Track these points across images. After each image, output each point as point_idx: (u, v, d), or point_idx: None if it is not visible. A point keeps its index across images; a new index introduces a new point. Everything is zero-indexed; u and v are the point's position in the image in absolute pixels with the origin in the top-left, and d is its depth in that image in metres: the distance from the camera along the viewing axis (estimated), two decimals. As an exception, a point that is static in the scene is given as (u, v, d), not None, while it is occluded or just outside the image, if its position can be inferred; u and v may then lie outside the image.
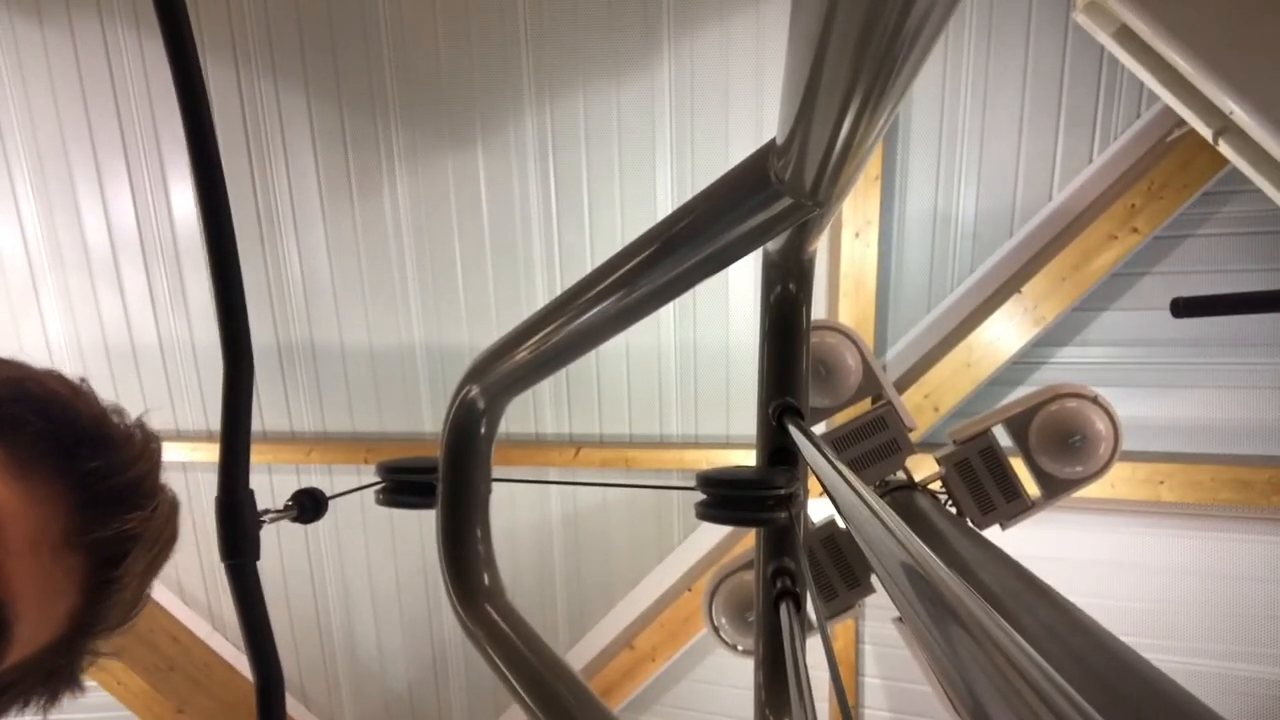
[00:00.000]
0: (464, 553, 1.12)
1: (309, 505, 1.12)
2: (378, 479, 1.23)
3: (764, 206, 0.76)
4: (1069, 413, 2.12)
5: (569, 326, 0.99)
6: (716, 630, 2.24)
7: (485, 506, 1.15)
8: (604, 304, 0.95)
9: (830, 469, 0.92)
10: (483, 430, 1.13)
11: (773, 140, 0.76)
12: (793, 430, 1.17)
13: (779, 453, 1.23)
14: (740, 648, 2.26)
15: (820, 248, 3.48)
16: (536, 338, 1.03)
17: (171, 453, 4.23)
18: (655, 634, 3.98)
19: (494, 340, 1.10)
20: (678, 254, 0.85)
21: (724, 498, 1.09)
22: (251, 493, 1.04)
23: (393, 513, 4.19)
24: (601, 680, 4.10)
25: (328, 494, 1.18)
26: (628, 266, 0.90)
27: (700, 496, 1.13)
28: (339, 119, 3.77)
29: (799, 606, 1.08)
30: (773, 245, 1.11)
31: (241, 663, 4.66)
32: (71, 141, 3.98)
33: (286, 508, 1.11)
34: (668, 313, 3.74)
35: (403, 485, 1.20)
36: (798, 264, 1.15)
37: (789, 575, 1.17)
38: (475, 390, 1.09)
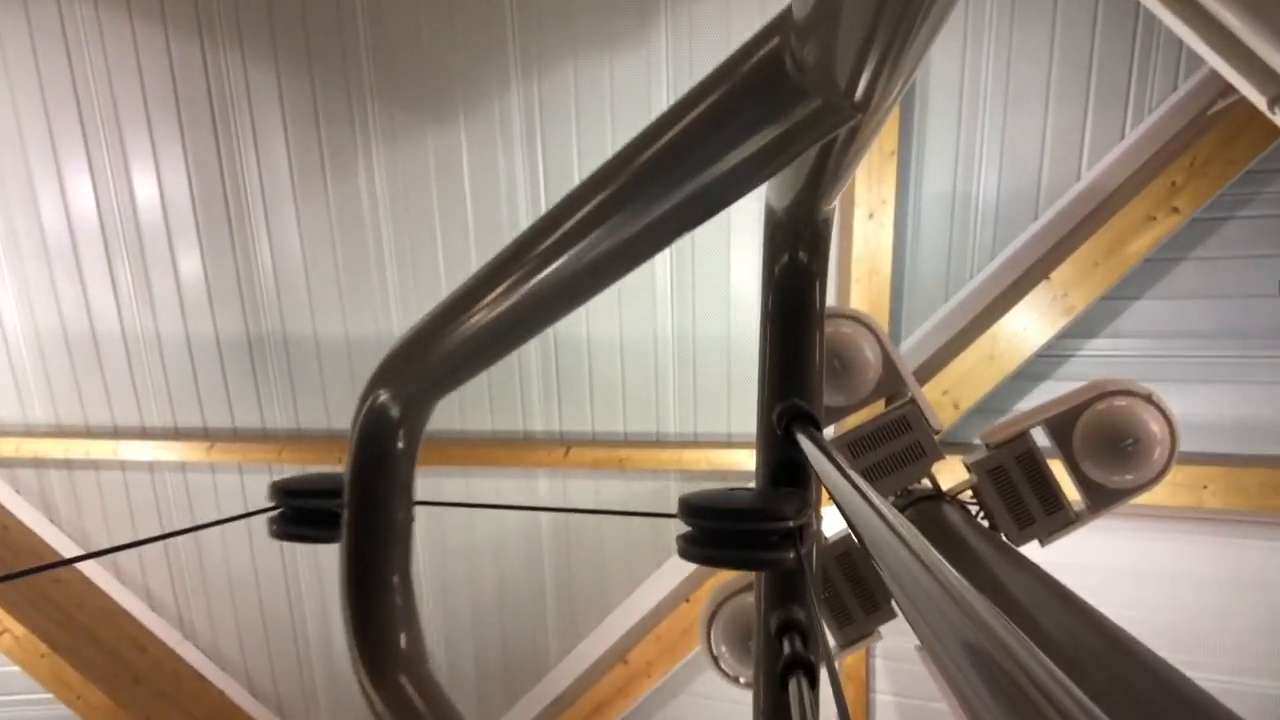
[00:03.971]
0: (375, 604, 0.86)
1: None
2: (272, 503, 0.96)
3: (778, 112, 0.49)
4: (1119, 413, 1.86)
5: (509, 301, 0.72)
6: (716, 661, 1.99)
7: (405, 542, 0.89)
8: (554, 266, 0.68)
9: (850, 489, 0.68)
10: (400, 444, 0.86)
11: (786, 11, 0.49)
12: (803, 442, 0.90)
13: (786, 470, 0.97)
14: (743, 680, 2.02)
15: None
16: (466, 319, 0.77)
17: (136, 451, 4.01)
18: (651, 647, 3.74)
19: (411, 324, 0.83)
20: (653, 190, 0.58)
21: (713, 532, 0.84)
22: None
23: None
24: (593, 697, 3.87)
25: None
26: (584, 212, 0.64)
27: (684, 528, 0.87)
28: (311, 94, 3.53)
29: (813, 680, 0.82)
30: (778, 197, 0.85)
31: (214, 673, 4.43)
32: (27, 123, 3.74)
33: None
34: (664, 299, 3.51)
35: (301, 513, 0.93)
36: (810, 225, 0.88)
37: (798, 632, 0.90)
38: (386, 395, 0.83)
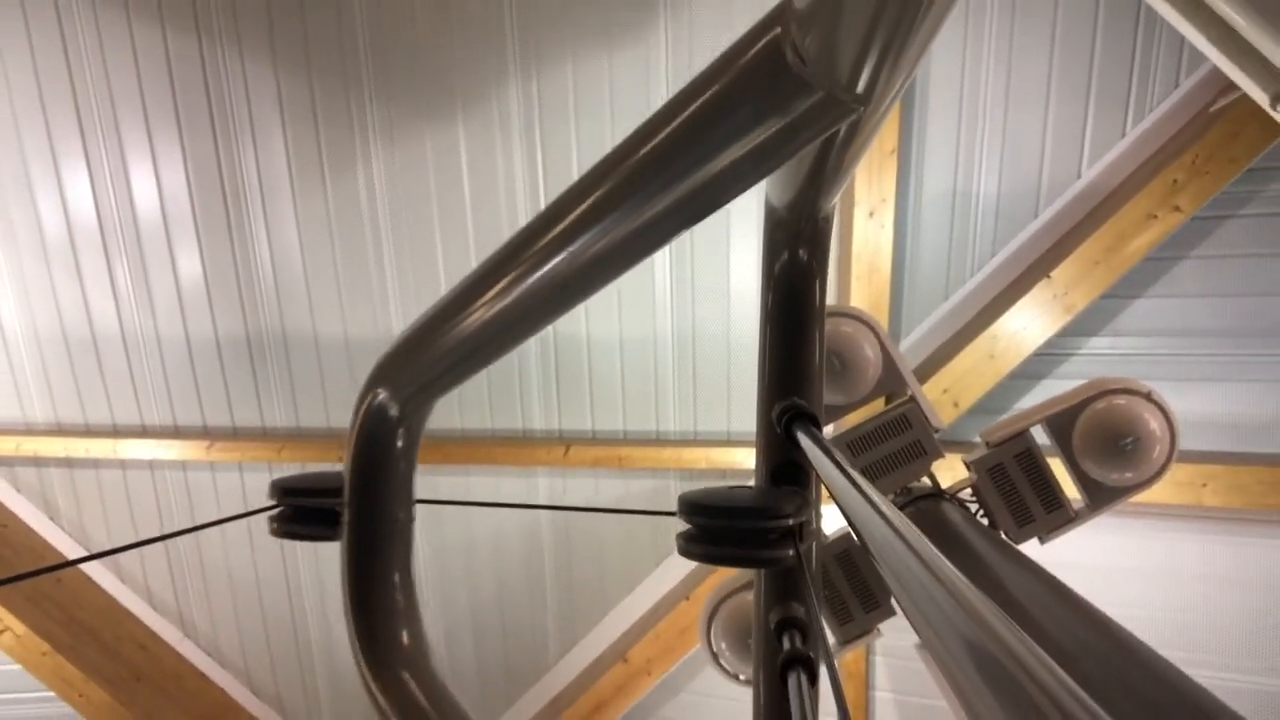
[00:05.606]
0: (376, 601, 0.86)
1: None
2: (272, 502, 0.96)
3: (779, 105, 0.49)
4: (1119, 411, 1.86)
5: (507, 299, 0.72)
6: (716, 658, 1.99)
7: (406, 540, 0.89)
8: (551, 265, 0.68)
9: (853, 492, 0.67)
10: (399, 444, 0.86)
11: (787, 1, 0.49)
12: (804, 442, 0.90)
13: (785, 468, 0.97)
14: (743, 677, 2.01)
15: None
16: (464, 318, 0.76)
17: (136, 450, 4.00)
18: (650, 646, 3.73)
19: (408, 324, 0.82)
20: (650, 188, 0.58)
21: (713, 530, 0.84)
22: None
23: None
24: (593, 695, 3.86)
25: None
26: (580, 211, 0.63)
27: (685, 526, 0.87)
28: (309, 92, 3.52)
29: (813, 678, 0.82)
30: (779, 194, 0.85)
31: (216, 671, 4.42)
32: (24, 121, 3.73)
33: None
34: (663, 297, 3.49)
35: (301, 512, 0.93)
36: (811, 222, 0.88)
37: (798, 629, 0.90)
38: (384, 395, 0.83)
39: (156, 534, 4.22)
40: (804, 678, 0.80)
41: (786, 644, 0.89)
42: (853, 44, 0.44)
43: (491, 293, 0.72)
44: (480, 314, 0.74)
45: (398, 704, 0.83)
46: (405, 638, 0.86)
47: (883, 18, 0.42)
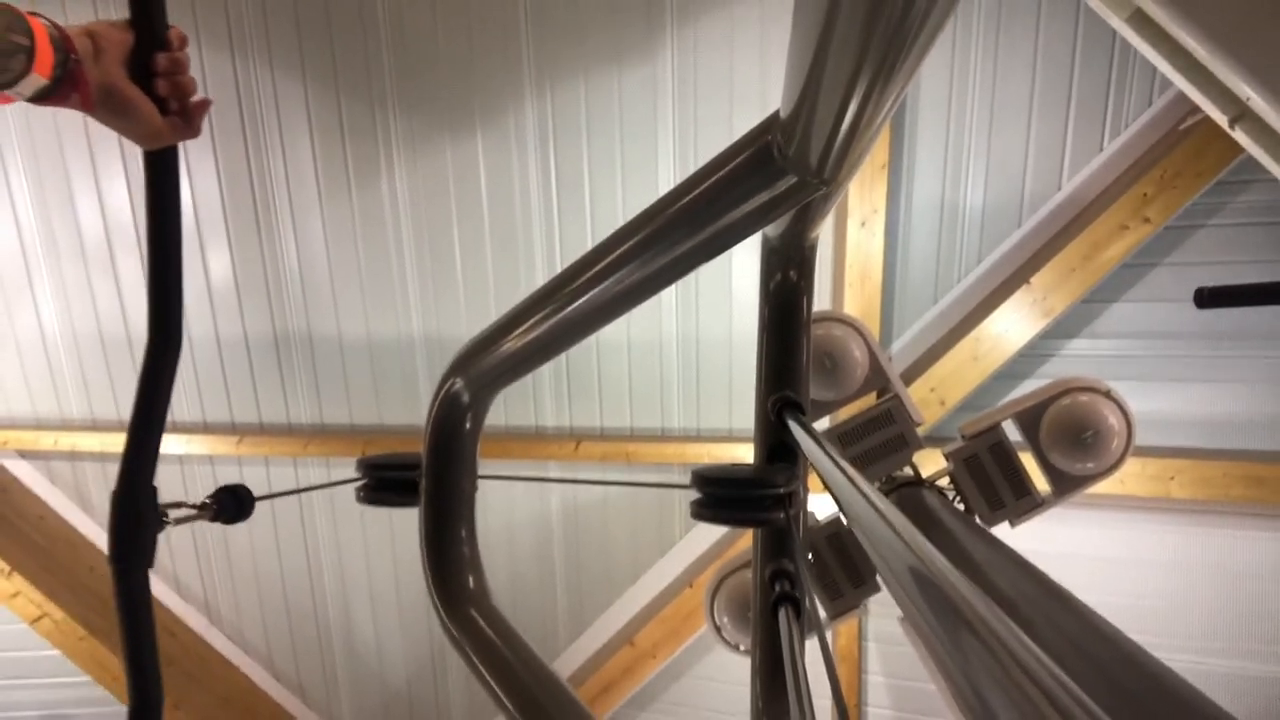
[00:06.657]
0: (448, 554, 1.07)
1: (230, 505, 1.04)
2: (358, 475, 1.18)
3: (766, 185, 0.70)
4: (1081, 407, 2.06)
5: (559, 315, 0.94)
6: (718, 630, 2.19)
7: (470, 505, 1.10)
8: (596, 290, 0.89)
9: (831, 466, 0.87)
10: (468, 425, 1.07)
11: (776, 113, 0.70)
12: (792, 426, 1.11)
13: (778, 449, 1.18)
14: (742, 648, 2.20)
15: (825, 237, 3.43)
16: (524, 327, 0.98)
17: (167, 445, 4.17)
18: (656, 630, 3.92)
19: (480, 330, 1.04)
20: (673, 237, 0.79)
21: (719, 497, 1.05)
22: (154, 490, 0.97)
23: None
24: (602, 677, 4.05)
25: (295, 487, 1.12)
26: (620, 251, 0.85)
27: (696, 495, 1.08)
28: (336, 107, 3.70)
29: (799, 612, 1.03)
30: (773, 230, 1.06)
31: (240, 658, 4.62)
32: (65, 128, 3.91)
33: (202, 506, 1.04)
34: (669, 303, 3.68)
35: (384, 482, 1.15)
36: (799, 250, 1.09)
37: (788, 578, 1.12)
38: (459, 383, 1.03)
39: (189, 528, 4.41)
40: (791, 611, 1.01)
41: (778, 589, 1.10)
42: (817, 148, 0.65)
43: (548, 309, 0.94)
44: (539, 325, 0.96)
45: (468, 635, 1.04)
46: (471, 582, 1.08)
47: (838, 134, 0.63)
